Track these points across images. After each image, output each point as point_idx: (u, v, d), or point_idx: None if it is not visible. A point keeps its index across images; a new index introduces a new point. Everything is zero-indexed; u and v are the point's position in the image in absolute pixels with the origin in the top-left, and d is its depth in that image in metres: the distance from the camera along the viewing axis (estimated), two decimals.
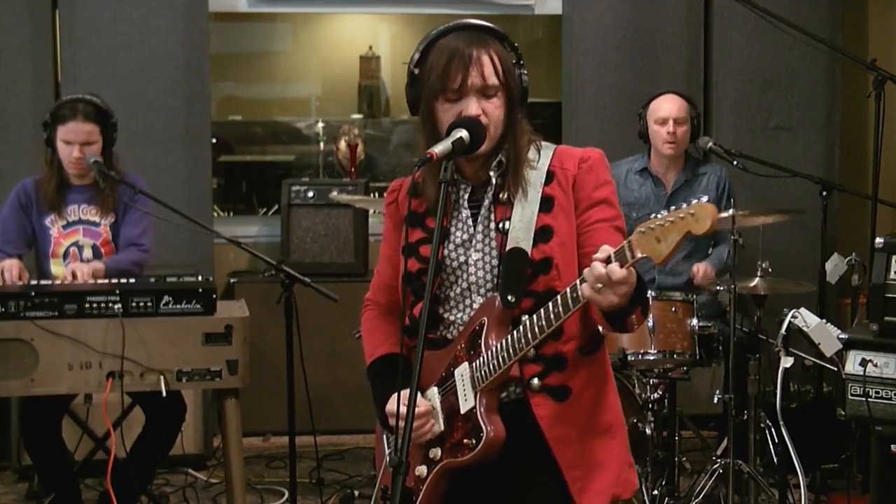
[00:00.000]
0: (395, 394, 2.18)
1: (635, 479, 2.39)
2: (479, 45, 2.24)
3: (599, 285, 2.01)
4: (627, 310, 2.10)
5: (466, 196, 2.35)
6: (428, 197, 2.34)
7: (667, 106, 4.49)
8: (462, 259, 2.33)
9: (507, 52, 2.28)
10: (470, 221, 2.34)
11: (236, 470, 3.67)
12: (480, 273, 2.32)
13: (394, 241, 2.45)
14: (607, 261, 2.01)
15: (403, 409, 2.08)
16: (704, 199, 1.94)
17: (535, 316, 2.18)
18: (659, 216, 1.97)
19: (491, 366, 2.24)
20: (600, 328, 2.30)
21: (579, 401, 2.29)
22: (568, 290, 2.12)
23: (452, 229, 2.35)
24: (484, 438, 2.22)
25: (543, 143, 2.37)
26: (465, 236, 2.34)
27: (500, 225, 2.30)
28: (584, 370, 2.31)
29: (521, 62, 2.32)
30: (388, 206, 2.48)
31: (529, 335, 2.18)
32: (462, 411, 2.28)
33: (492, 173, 2.31)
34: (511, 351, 2.21)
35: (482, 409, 2.25)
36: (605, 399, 2.36)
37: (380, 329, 2.52)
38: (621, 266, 1.99)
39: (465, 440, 2.25)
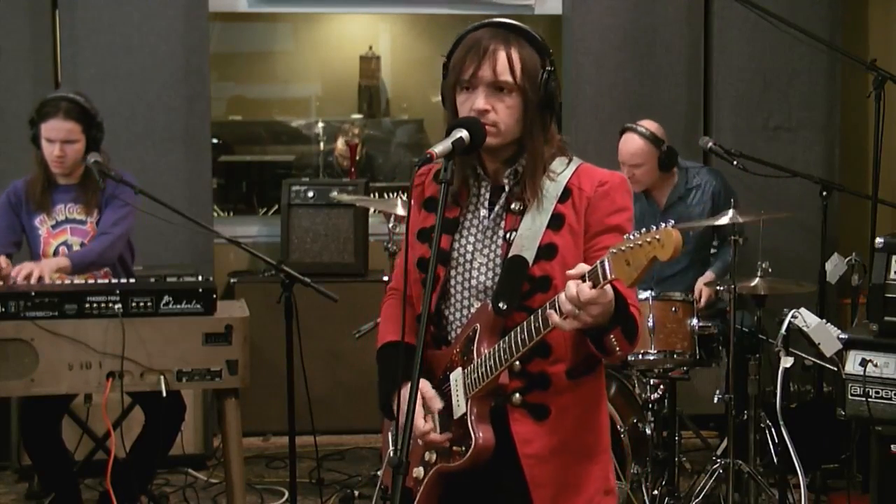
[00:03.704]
0: (400, 390, 2.19)
1: None
2: (500, 40, 2.21)
3: (569, 306, 1.99)
4: (605, 328, 2.07)
5: (487, 195, 2.32)
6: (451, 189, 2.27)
7: (623, 150, 4.39)
8: (469, 257, 2.31)
9: (533, 54, 2.24)
10: (486, 223, 2.30)
11: (236, 470, 3.66)
12: (482, 278, 2.29)
13: (417, 228, 2.39)
14: (582, 279, 1.99)
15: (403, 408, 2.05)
16: (671, 223, 1.91)
17: (518, 328, 2.15)
18: (632, 236, 1.94)
19: (479, 373, 2.21)
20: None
21: (558, 422, 2.25)
22: (548, 304, 2.08)
23: (468, 224, 2.32)
24: (472, 446, 2.20)
25: (574, 157, 2.31)
26: (479, 235, 2.31)
27: (507, 235, 2.27)
28: (568, 393, 2.26)
29: (551, 67, 2.26)
30: (414, 189, 2.42)
31: (513, 347, 2.16)
32: (455, 416, 2.26)
33: (506, 181, 2.28)
34: (497, 360, 2.18)
35: (473, 417, 2.22)
36: (590, 422, 2.30)
37: (397, 317, 2.44)
38: (594, 286, 1.97)
39: (455, 447, 2.24)
